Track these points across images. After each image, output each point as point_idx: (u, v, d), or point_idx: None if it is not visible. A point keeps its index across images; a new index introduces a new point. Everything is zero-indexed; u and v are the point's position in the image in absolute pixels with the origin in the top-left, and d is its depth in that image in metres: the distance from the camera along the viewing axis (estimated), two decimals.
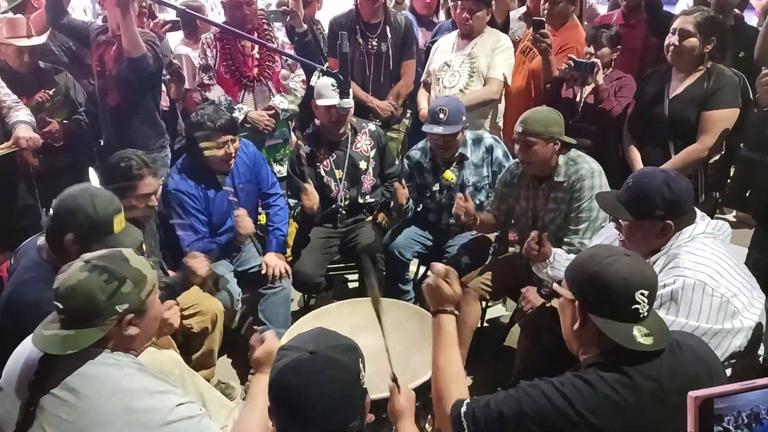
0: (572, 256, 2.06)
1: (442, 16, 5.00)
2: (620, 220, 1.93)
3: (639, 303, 1.38)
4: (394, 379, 1.65)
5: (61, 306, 1.43)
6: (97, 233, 1.89)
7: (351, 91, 2.61)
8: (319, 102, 2.97)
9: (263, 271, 2.90)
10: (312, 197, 2.97)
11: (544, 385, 1.42)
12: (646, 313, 1.39)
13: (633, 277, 1.38)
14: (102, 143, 3.55)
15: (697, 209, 1.92)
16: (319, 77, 3.05)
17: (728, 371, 1.81)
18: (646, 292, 1.39)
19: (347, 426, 1.27)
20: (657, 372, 1.37)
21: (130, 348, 1.53)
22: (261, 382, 1.63)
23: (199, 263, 2.46)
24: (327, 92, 2.90)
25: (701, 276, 1.71)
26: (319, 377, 1.25)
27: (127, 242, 1.99)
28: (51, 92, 3.23)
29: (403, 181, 3.10)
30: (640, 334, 1.37)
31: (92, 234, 1.88)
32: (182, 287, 2.46)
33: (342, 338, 1.36)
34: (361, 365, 1.32)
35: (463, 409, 1.47)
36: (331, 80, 2.77)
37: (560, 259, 2.32)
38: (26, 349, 1.51)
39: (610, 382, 1.36)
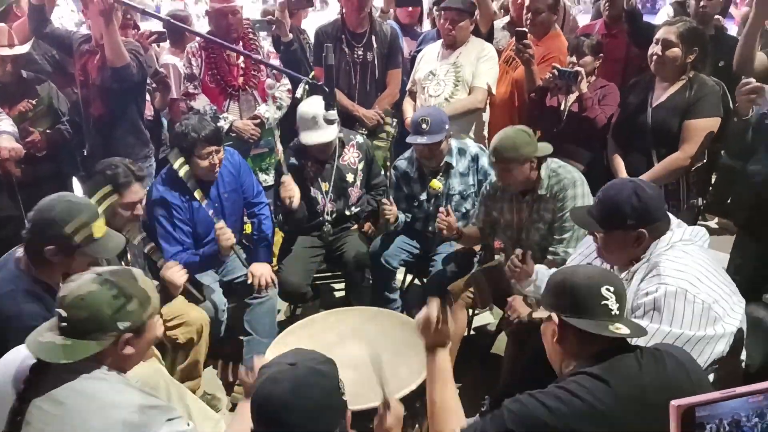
0: (554, 270, 2.10)
1: (426, 25, 5.03)
2: (596, 234, 1.95)
3: (607, 299, 1.46)
4: (386, 405, 1.64)
5: (64, 314, 1.42)
6: (79, 244, 1.88)
7: (335, 117, 2.64)
8: (302, 137, 2.99)
9: (249, 281, 2.88)
10: (289, 188, 2.95)
11: (527, 399, 1.44)
12: (617, 311, 1.47)
13: (595, 276, 1.50)
14: (85, 153, 3.52)
15: (673, 217, 1.94)
16: (304, 89, 3.05)
17: (711, 377, 1.83)
18: (611, 288, 1.47)
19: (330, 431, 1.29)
20: (639, 379, 1.39)
21: (122, 368, 1.51)
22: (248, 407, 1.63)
23: (173, 274, 2.43)
24: (309, 124, 2.93)
25: (682, 283, 1.72)
26: (300, 385, 1.27)
27: (110, 247, 1.98)
28: (34, 102, 3.20)
29: (391, 198, 3.10)
30: (614, 328, 1.44)
31: (73, 245, 1.87)
32: (163, 301, 2.44)
33: (320, 354, 1.40)
34: (340, 376, 1.35)
35: None
36: (313, 111, 2.78)
37: (542, 276, 2.32)
38: (16, 360, 1.48)
39: (592, 390, 1.38)
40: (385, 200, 3.07)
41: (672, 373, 1.44)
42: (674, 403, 1.03)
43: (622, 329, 1.43)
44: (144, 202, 2.52)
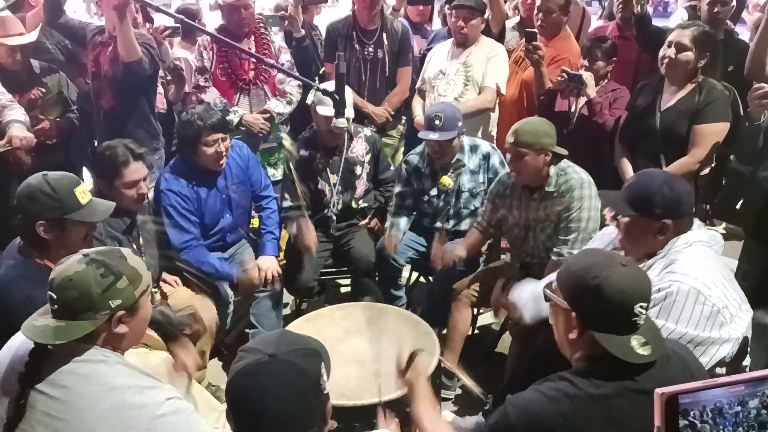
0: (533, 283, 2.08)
1: (436, 24, 5.03)
2: (619, 219, 1.94)
3: (638, 315, 1.39)
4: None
5: (55, 296, 1.43)
6: (65, 210, 1.90)
7: (347, 110, 2.64)
8: (320, 109, 2.97)
9: (256, 274, 2.90)
10: (308, 236, 2.94)
11: (531, 393, 1.44)
12: (642, 322, 1.41)
13: (632, 290, 1.39)
14: (96, 144, 3.54)
15: (695, 218, 1.94)
16: (314, 95, 3.06)
17: None
18: (645, 305, 1.41)
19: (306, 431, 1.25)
20: (647, 379, 1.39)
21: (117, 347, 1.52)
22: None
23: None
24: (327, 100, 2.90)
25: (696, 283, 1.73)
26: (276, 382, 1.22)
27: (99, 210, 2.01)
28: (44, 90, 3.22)
29: (393, 231, 3.10)
30: (638, 344, 1.38)
31: (60, 212, 1.89)
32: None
33: (306, 341, 1.33)
34: (322, 370, 1.29)
35: None
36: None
37: (525, 294, 2.17)
38: (13, 347, 1.50)
39: (599, 388, 1.38)
40: (387, 237, 3.07)
41: (677, 374, 1.44)
42: (658, 391, 1.05)
43: (643, 349, 1.38)
44: (147, 180, 2.53)
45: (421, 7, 4.44)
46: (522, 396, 1.45)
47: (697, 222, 1.93)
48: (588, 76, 3.01)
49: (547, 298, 1.55)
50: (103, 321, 1.46)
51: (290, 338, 1.33)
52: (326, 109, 2.91)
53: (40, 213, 1.88)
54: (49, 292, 1.44)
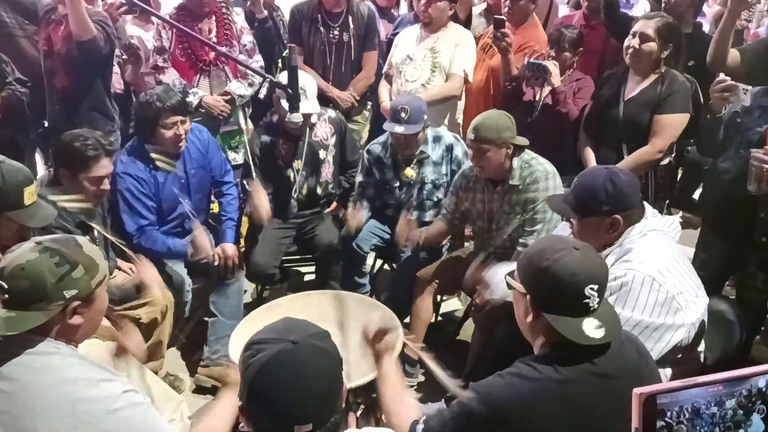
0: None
1: (403, 8, 4.97)
2: (572, 221, 1.97)
3: (589, 297, 1.40)
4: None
5: (5, 286, 1.37)
6: (6, 203, 1.83)
7: (310, 102, 2.55)
8: (283, 102, 2.89)
9: (216, 263, 2.82)
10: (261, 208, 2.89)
11: (492, 379, 1.44)
12: (596, 305, 1.42)
13: (582, 272, 1.40)
14: (47, 124, 3.40)
15: (649, 206, 1.97)
16: (267, 88, 2.99)
17: (669, 369, 1.87)
18: (596, 286, 1.41)
19: (333, 416, 1.22)
20: (607, 365, 1.41)
21: (71, 338, 1.47)
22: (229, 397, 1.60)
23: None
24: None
25: (651, 271, 1.76)
26: (310, 368, 1.18)
27: (39, 215, 1.94)
28: None
29: (357, 204, 3.07)
30: (591, 327, 1.40)
31: (0, 206, 1.82)
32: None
33: (316, 326, 1.29)
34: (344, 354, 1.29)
35: (420, 426, 1.49)
36: (301, 83, 2.72)
37: (498, 275, 2.21)
38: None
39: (559, 371, 1.39)
40: (350, 208, 3.06)
41: (635, 360, 1.48)
42: (637, 391, 1.05)
43: (596, 332, 1.39)
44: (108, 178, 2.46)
45: None
46: (484, 383, 1.45)
47: (651, 210, 1.95)
48: (553, 65, 3.00)
49: (509, 286, 1.55)
50: (57, 312, 1.40)
51: (302, 324, 1.29)
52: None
53: None
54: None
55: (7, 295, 1.37)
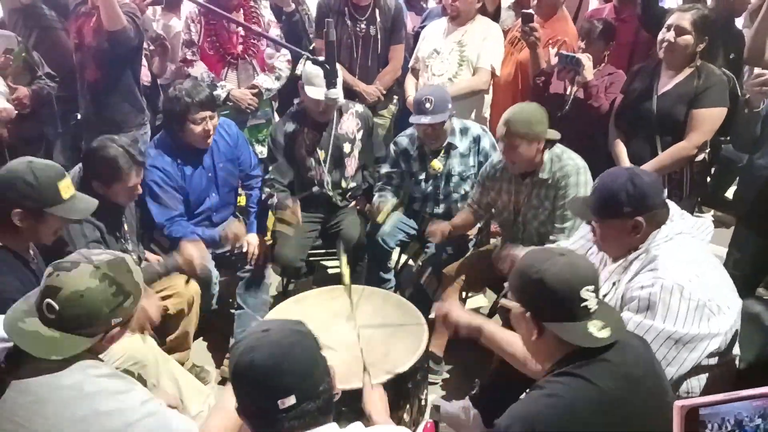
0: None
1: (431, 2, 4.94)
2: (593, 224, 1.93)
3: (587, 299, 1.40)
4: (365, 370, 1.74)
5: (56, 307, 1.33)
6: (44, 203, 1.83)
7: (339, 80, 2.53)
8: (308, 90, 2.90)
9: (245, 249, 2.86)
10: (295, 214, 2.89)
11: (527, 404, 1.41)
12: (596, 307, 1.42)
13: (574, 276, 1.41)
14: (79, 117, 3.44)
15: (676, 207, 1.92)
16: (304, 64, 2.98)
17: (705, 376, 1.82)
18: (591, 287, 1.41)
19: (318, 387, 1.25)
20: (631, 366, 1.39)
21: (99, 353, 1.46)
22: None
23: (195, 251, 2.38)
24: (317, 81, 2.80)
25: (679, 279, 1.70)
26: (281, 344, 1.25)
27: (80, 208, 1.94)
28: (12, 56, 3.09)
29: (380, 200, 3.06)
30: (596, 329, 1.40)
31: (39, 204, 1.83)
32: (170, 271, 2.41)
33: (288, 319, 1.36)
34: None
35: None
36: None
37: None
38: None
39: (577, 390, 1.36)
40: (375, 203, 3.05)
41: (651, 358, 1.48)
42: (678, 403, 1.05)
43: (602, 332, 1.39)
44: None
45: None
46: (518, 407, 1.42)
47: (679, 211, 1.90)
48: (586, 58, 2.95)
49: (506, 309, 1.55)
50: (100, 337, 1.40)
51: (274, 319, 1.40)
52: (314, 90, 2.84)
53: (17, 201, 1.80)
54: (50, 301, 1.34)
55: (54, 316, 1.34)
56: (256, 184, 3.07)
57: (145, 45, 3.48)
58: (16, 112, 2.98)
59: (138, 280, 1.46)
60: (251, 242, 2.90)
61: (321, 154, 3.10)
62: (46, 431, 1.31)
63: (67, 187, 1.89)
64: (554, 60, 3.08)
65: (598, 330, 1.39)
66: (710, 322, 1.72)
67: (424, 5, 4.60)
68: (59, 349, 1.33)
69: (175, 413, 1.50)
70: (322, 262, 3.61)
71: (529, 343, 1.51)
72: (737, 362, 1.92)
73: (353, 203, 3.27)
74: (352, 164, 3.18)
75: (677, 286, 1.69)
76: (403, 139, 3.15)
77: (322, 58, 2.20)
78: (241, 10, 3.35)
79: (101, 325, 1.38)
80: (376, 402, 1.74)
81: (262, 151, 3.42)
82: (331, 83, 2.26)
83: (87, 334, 1.36)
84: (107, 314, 1.37)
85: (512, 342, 1.82)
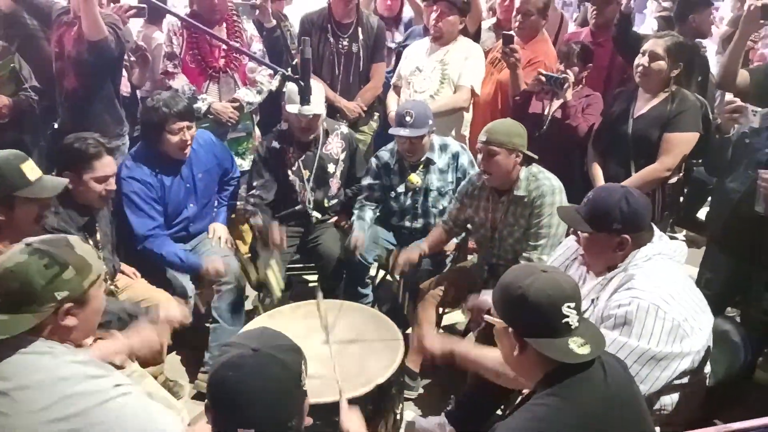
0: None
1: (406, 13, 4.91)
2: (579, 234, 1.96)
3: (568, 316, 1.41)
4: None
5: None
6: (12, 187, 1.84)
7: (319, 97, 2.54)
8: (289, 108, 2.92)
9: (209, 236, 2.91)
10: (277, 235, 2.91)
11: (514, 425, 1.41)
12: (577, 324, 1.42)
13: (556, 292, 1.41)
14: (56, 126, 3.41)
15: (656, 229, 1.96)
16: (279, 81, 3.00)
17: (677, 395, 1.85)
18: (572, 304, 1.42)
19: (285, 425, 1.25)
20: (605, 391, 1.40)
21: (66, 339, 1.45)
22: None
23: (178, 312, 2.29)
24: (295, 98, 2.83)
25: (655, 299, 1.73)
26: (259, 374, 1.23)
27: (49, 186, 1.94)
28: None
29: (357, 232, 3.06)
30: (576, 346, 1.40)
31: (7, 190, 1.83)
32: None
33: (287, 339, 1.34)
34: (303, 367, 1.31)
35: None
36: None
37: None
38: None
39: (568, 398, 1.37)
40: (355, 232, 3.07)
41: (627, 377, 1.49)
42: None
43: (583, 349, 1.39)
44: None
45: (389, 1, 4.34)
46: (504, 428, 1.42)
47: (657, 233, 1.94)
48: (571, 77, 3.01)
49: (489, 324, 1.55)
50: (49, 314, 1.39)
51: (273, 334, 1.35)
52: (296, 106, 2.85)
53: None
54: None
55: None
56: (233, 182, 3.11)
57: (125, 56, 3.47)
58: None
59: (83, 254, 1.45)
60: (215, 230, 2.96)
61: (305, 173, 3.11)
62: (21, 415, 1.32)
63: (31, 169, 1.90)
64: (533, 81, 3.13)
65: (578, 346, 1.39)
66: (683, 342, 1.75)
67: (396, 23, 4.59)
68: (6, 328, 1.34)
69: (154, 402, 1.49)
70: (299, 276, 3.60)
71: (511, 359, 1.51)
72: (707, 379, 1.96)
73: (333, 218, 3.27)
74: (334, 184, 3.21)
75: (653, 306, 1.72)
76: (384, 153, 3.18)
77: (297, 75, 2.22)
78: (224, 24, 3.35)
79: (43, 299, 1.37)
80: (355, 420, 1.72)
81: (242, 164, 3.42)
82: (305, 99, 2.28)
83: (31, 310, 1.37)
84: (44, 286, 1.37)
85: (485, 357, 1.86)
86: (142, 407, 1.43)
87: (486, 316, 1.56)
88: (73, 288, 1.41)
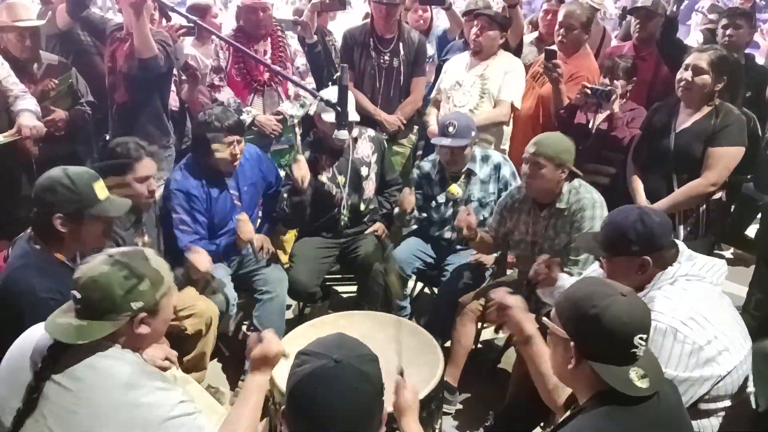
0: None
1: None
2: (602, 259, 1.94)
3: (638, 347, 1.36)
4: (401, 373, 1.68)
5: (78, 296, 1.45)
6: (83, 204, 1.90)
7: (350, 114, 2.58)
8: (324, 116, 2.97)
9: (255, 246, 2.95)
10: (303, 167, 2.95)
11: None
12: (642, 354, 1.38)
13: (632, 321, 1.36)
14: (107, 137, 3.54)
15: (685, 248, 1.92)
16: (318, 106, 3.05)
17: (715, 419, 1.80)
18: (645, 336, 1.38)
19: None
20: (665, 413, 1.37)
21: (138, 347, 1.54)
22: (255, 381, 1.65)
23: (200, 258, 2.49)
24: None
25: (673, 321, 1.70)
26: (345, 388, 1.21)
27: (114, 207, 2.01)
28: (56, 82, 3.21)
29: (412, 188, 3.11)
30: (636, 377, 1.35)
31: (78, 206, 1.89)
32: (183, 283, 2.46)
33: (365, 348, 1.31)
34: (383, 377, 1.29)
35: None
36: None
37: (567, 284, 2.30)
38: (33, 337, 1.51)
39: (621, 426, 1.35)
40: (406, 189, 3.09)
41: (676, 402, 1.45)
42: None
43: (642, 382, 1.34)
44: (160, 191, 2.54)
45: (420, 12, 4.33)
46: None
47: (687, 253, 1.90)
48: (618, 89, 2.99)
49: (546, 327, 1.52)
50: (125, 322, 1.48)
51: (352, 343, 1.32)
52: (330, 116, 2.90)
53: (58, 206, 1.87)
54: (73, 291, 1.46)
55: (80, 305, 1.46)
56: (275, 193, 3.15)
57: (175, 72, 3.58)
58: (46, 130, 3.06)
59: (157, 267, 1.53)
60: (260, 241, 2.99)
61: (341, 179, 3.16)
62: (89, 415, 1.40)
63: (101, 188, 1.97)
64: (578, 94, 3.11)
65: (638, 378, 1.35)
66: (705, 366, 1.70)
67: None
68: (85, 334, 1.43)
69: (208, 421, 1.54)
70: (339, 286, 3.63)
71: (563, 369, 1.47)
72: (753, 399, 1.91)
73: (370, 229, 3.29)
74: (369, 187, 3.23)
75: (671, 329, 1.69)
76: (425, 164, 3.21)
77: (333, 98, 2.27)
78: (269, 39, 3.44)
79: (121, 308, 1.46)
80: (408, 403, 1.64)
81: (284, 175, 3.48)
82: (341, 125, 2.32)
83: (110, 318, 1.45)
84: (123, 296, 1.45)
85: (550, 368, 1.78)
86: (197, 428, 1.48)
87: (544, 320, 1.52)
88: (147, 299, 1.49)
